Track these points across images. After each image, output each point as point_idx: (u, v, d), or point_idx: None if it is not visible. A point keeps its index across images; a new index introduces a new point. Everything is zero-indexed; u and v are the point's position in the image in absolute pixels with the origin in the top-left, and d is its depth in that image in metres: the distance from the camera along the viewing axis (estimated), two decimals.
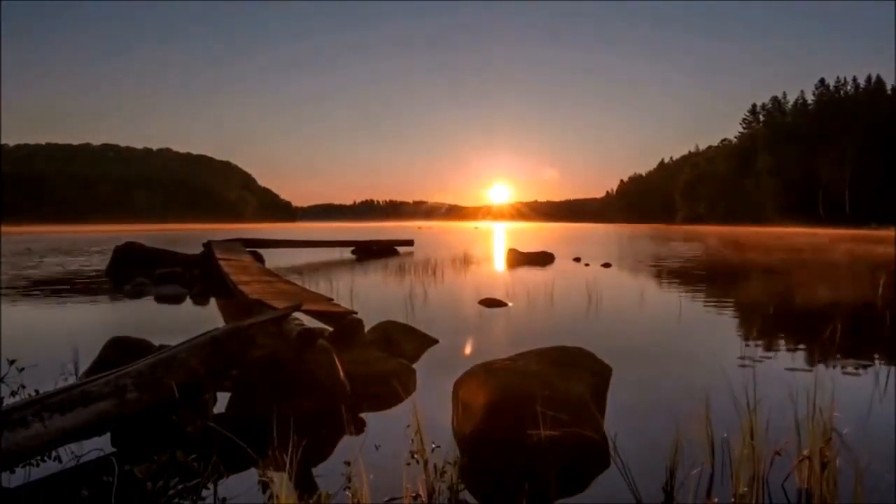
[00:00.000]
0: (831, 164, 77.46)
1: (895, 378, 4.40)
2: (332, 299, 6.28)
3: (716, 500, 2.32)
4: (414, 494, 2.33)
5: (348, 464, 2.24)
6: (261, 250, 16.22)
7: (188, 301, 9.14)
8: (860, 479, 2.32)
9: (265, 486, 2.22)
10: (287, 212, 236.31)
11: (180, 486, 2.35)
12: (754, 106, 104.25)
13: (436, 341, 5.62)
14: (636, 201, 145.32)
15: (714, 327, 7.20)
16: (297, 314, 4.95)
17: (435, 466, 2.39)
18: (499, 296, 8.69)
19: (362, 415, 3.66)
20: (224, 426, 2.77)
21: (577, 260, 17.02)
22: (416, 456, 2.44)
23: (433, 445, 2.50)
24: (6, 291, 9.92)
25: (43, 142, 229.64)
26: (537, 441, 2.85)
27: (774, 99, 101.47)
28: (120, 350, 4.29)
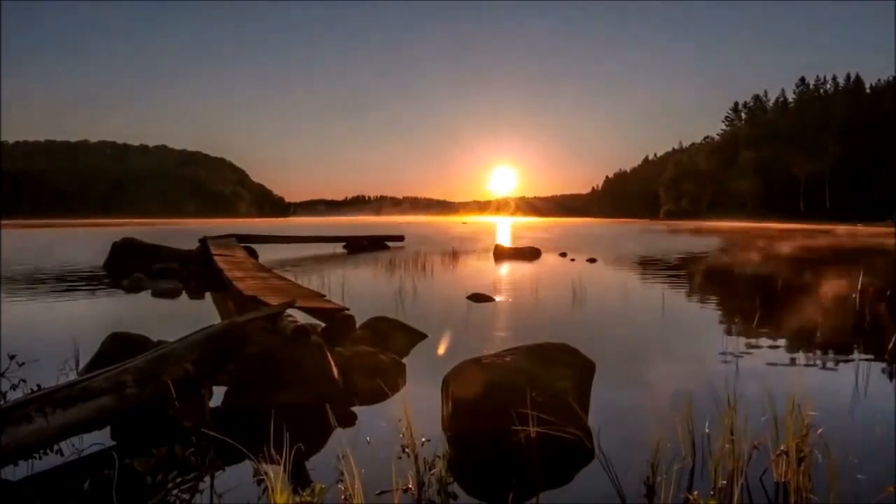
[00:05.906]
0: (811, 161, 77.92)
1: (868, 372, 4.52)
2: (325, 295, 6.35)
3: (696, 493, 2.39)
4: (404, 488, 2.41)
5: (342, 457, 2.32)
6: (255, 245, 16.27)
7: (184, 296, 9.21)
8: (836, 472, 2.40)
9: (261, 479, 2.29)
10: (280, 207, 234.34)
11: (178, 480, 2.41)
12: (736, 104, 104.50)
13: (425, 336, 5.71)
14: (621, 197, 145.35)
15: (696, 322, 7.35)
16: (289, 310, 5.02)
17: (424, 460, 2.47)
18: (486, 291, 8.79)
19: (354, 409, 3.75)
20: (220, 420, 2.85)
21: (563, 255, 17.15)
22: (406, 450, 2.52)
23: (422, 439, 2.58)
24: (6, 287, 9.92)
25: (42, 139, 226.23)
26: (523, 435, 2.94)
27: (756, 97, 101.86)
28: (119, 346, 4.36)
